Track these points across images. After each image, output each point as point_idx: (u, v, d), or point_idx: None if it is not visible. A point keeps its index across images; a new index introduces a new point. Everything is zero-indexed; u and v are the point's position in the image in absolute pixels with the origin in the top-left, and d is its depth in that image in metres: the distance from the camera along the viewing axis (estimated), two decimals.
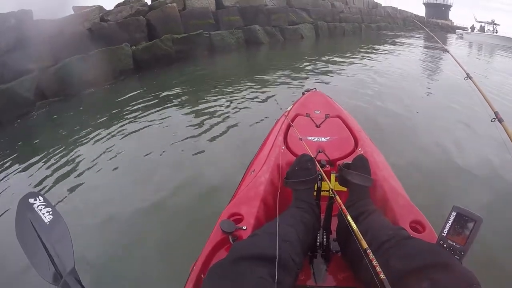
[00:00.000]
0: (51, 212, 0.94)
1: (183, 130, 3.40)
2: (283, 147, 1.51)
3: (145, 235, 1.89)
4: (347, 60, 7.57)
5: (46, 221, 0.91)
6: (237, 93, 4.70)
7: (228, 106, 4.07)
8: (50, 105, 5.01)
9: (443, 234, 0.78)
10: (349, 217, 0.85)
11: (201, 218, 1.76)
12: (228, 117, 3.70)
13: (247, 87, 5.01)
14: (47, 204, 0.96)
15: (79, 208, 2.23)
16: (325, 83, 5.33)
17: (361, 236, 0.77)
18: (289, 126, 1.68)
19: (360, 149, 1.48)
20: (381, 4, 21.39)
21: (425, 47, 12.01)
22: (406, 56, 9.04)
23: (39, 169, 2.90)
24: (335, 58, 7.75)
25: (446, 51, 1.91)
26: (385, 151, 1.59)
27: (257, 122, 3.39)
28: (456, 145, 2.91)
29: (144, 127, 3.59)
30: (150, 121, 3.76)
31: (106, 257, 1.75)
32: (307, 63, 7.05)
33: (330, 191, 1.03)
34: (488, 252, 1.56)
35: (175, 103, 4.46)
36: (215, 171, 2.49)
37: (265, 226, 0.93)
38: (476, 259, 1.06)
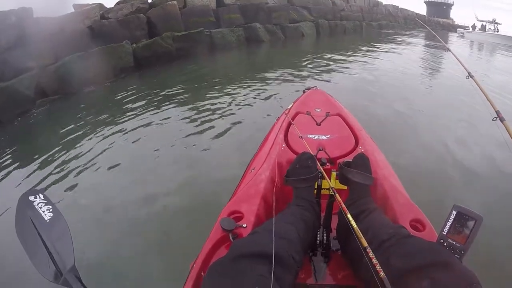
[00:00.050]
0: (51, 210, 0.93)
1: (183, 128, 3.40)
2: (283, 145, 1.51)
3: (145, 232, 1.90)
4: (348, 59, 7.55)
5: (46, 218, 0.91)
6: (237, 91, 4.69)
7: (228, 104, 4.07)
8: (50, 103, 5.01)
9: (443, 233, 0.77)
10: (349, 215, 0.85)
11: (201, 216, 1.75)
12: (228, 115, 3.70)
13: (247, 85, 5.00)
14: (47, 201, 0.96)
15: (80, 206, 2.23)
16: (326, 81, 5.31)
17: (361, 234, 0.77)
18: (289, 124, 1.67)
19: (360, 147, 1.47)
20: (382, 3, 21.35)
21: (426, 46, 11.97)
22: (407, 54, 9.01)
23: (39, 167, 2.90)
24: (336, 56, 7.72)
25: (447, 49, 1.89)
26: (385, 150, 1.59)
27: (257, 120, 3.39)
28: (457, 144, 2.91)
29: (144, 125, 3.59)
30: (150, 119, 3.76)
31: (106, 255, 1.75)
32: (308, 61, 7.03)
33: (331, 189, 1.02)
34: (488, 251, 1.55)
35: (176, 101, 4.46)
36: (215, 169, 2.50)
37: (265, 223, 0.93)
38: (476, 258, 1.06)
